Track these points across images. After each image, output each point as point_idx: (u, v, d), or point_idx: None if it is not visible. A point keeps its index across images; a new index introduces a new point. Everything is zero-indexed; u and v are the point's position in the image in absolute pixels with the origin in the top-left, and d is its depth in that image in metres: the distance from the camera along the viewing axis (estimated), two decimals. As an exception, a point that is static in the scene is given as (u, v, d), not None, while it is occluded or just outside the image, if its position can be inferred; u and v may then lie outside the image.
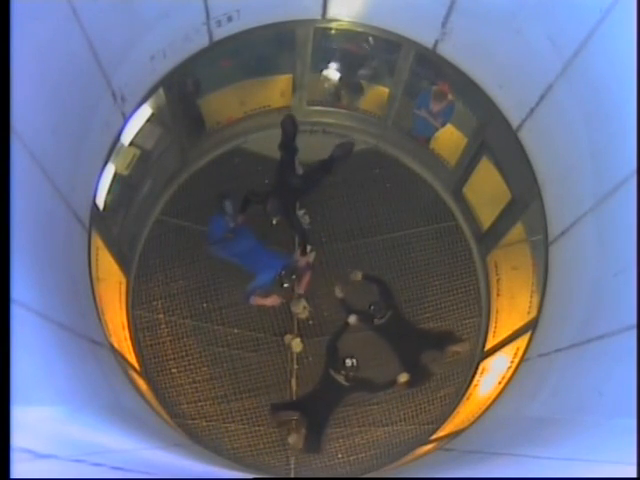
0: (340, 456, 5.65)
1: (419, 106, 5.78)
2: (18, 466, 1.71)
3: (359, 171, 6.30)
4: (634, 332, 2.78)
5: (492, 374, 5.37)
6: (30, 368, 2.46)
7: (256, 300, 5.56)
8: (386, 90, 5.97)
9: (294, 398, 5.68)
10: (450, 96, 5.56)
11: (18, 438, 1.83)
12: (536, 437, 3.37)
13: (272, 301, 5.62)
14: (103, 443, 2.86)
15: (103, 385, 3.71)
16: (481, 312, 5.97)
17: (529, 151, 4.53)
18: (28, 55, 2.72)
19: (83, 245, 4.10)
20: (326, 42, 5.52)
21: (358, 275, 5.84)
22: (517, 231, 5.30)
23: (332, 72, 6.12)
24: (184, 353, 5.69)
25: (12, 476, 1.66)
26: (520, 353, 4.68)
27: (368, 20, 4.82)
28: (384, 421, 5.73)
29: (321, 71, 6.07)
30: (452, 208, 6.26)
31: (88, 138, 3.88)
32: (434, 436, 5.62)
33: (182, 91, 5.38)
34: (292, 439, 5.28)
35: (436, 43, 4.65)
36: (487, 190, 5.73)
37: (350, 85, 6.28)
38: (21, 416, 1.96)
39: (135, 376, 5.00)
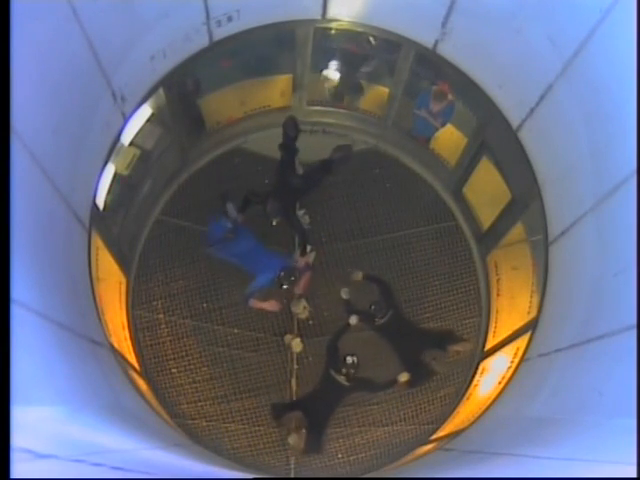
0: (340, 456, 5.65)
1: (419, 106, 5.78)
2: (18, 466, 1.71)
3: (359, 171, 6.30)
4: (634, 332, 2.78)
5: (492, 374, 5.37)
6: (30, 368, 2.46)
7: (255, 303, 5.57)
8: (386, 90, 5.97)
9: (294, 398, 5.68)
10: (450, 96, 5.56)
11: (18, 438, 1.83)
12: (536, 437, 3.37)
13: (271, 306, 5.63)
14: (103, 443, 2.86)
15: (103, 385, 3.71)
16: (481, 312, 5.97)
17: (529, 151, 4.53)
18: (28, 55, 2.72)
19: (83, 245, 4.10)
20: (326, 42, 5.52)
21: (359, 275, 5.84)
22: (517, 231, 5.30)
23: (332, 72, 6.13)
24: (184, 353, 5.69)
25: (12, 476, 1.66)
26: (520, 353, 4.68)
27: (368, 20, 4.82)
28: (384, 421, 5.73)
29: (321, 71, 6.07)
30: (452, 208, 6.26)
31: (88, 138, 3.88)
32: (434, 436, 5.62)
33: (182, 91, 5.38)
34: (292, 439, 5.28)
35: (436, 43, 4.65)
36: (487, 190, 5.73)
37: (350, 85, 6.28)
38: (21, 416, 1.96)
39: (135, 376, 5.00)
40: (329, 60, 6.01)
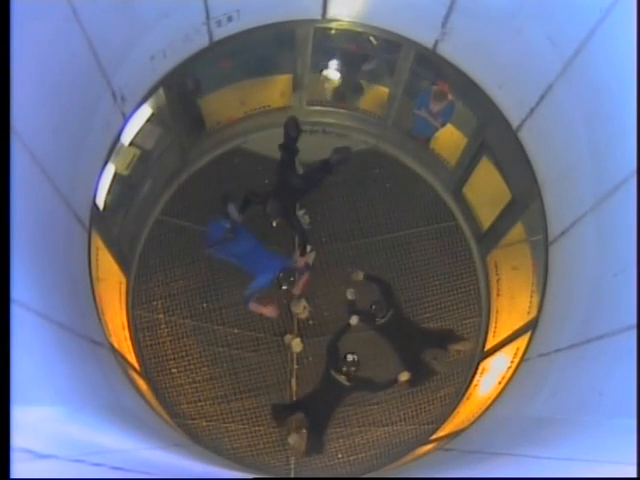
0: (340, 456, 5.65)
1: (419, 106, 5.78)
2: (18, 466, 1.72)
3: (359, 171, 6.30)
4: (634, 332, 2.78)
5: (492, 374, 5.37)
6: (30, 368, 2.46)
7: (253, 307, 5.58)
8: (386, 90, 5.98)
9: (294, 398, 5.68)
10: (450, 96, 5.56)
11: (18, 438, 1.83)
12: (536, 437, 3.37)
13: (269, 312, 5.63)
14: (103, 443, 2.86)
15: (103, 385, 3.71)
16: (481, 312, 5.97)
17: (529, 151, 4.53)
18: (28, 55, 2.72)
19: (83, 245, 4.10)
20: (326, 42, 5.53)
21: (360, 275, 5.84)
22: (517, 231, 5.31)
23: (332, 72, 6.14)
24: (184, 353, 5.69)
25: (12, 476, 1.66)
26: (520, 353, 4.68)
27: (368, 20, 4.82)
28: (384, 421, 5.73)
29: (321, 71, 6.08)
30: (452, 208, 6.26)
31: (88, 138, 3.88)
32: (434, 436, 5.62)
33: (182, 91, 5.38)
34: (292, 439, 5.28)
35: (436, 43, 4.65)
36: (487, 190, 5.73)
37: (350, 85, 6.29)
38: (21, 416, 1.96)
39: (135, 376, 5.00)
40: (329, 60, 6.02)
